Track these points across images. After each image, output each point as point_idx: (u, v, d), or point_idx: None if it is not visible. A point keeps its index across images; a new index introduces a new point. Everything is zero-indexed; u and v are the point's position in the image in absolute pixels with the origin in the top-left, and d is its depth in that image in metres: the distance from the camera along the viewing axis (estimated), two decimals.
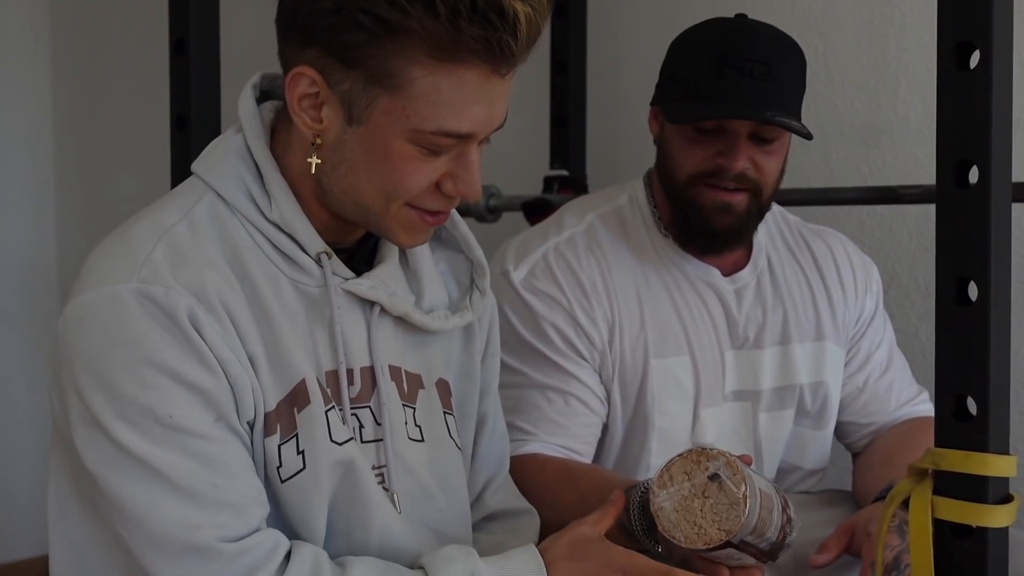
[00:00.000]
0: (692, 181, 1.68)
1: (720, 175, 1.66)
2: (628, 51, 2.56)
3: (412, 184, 1.19)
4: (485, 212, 2.51)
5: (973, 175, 1.26)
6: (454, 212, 1.36)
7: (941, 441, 1.28)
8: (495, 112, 1.18)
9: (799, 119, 1.67)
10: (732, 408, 1.75)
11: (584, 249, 1.72)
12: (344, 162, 1.20)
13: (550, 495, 1.56)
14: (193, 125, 1.84)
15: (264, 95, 1.32)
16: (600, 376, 1.70)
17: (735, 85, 1.61)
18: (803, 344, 1.79)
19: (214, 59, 1.86)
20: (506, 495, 1.47)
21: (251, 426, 1.20)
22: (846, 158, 2.32)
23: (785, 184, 1.96)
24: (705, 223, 1.68)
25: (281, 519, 1.22)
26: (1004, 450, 1.27)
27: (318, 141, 1.20)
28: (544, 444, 1.66)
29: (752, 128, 1.63)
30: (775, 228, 1.85)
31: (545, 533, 1.46)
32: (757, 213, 1.71)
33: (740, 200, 1.67)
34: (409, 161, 1.17)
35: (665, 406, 1.71)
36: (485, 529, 1.45)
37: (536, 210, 2.43)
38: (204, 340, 1.14)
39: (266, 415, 1.19)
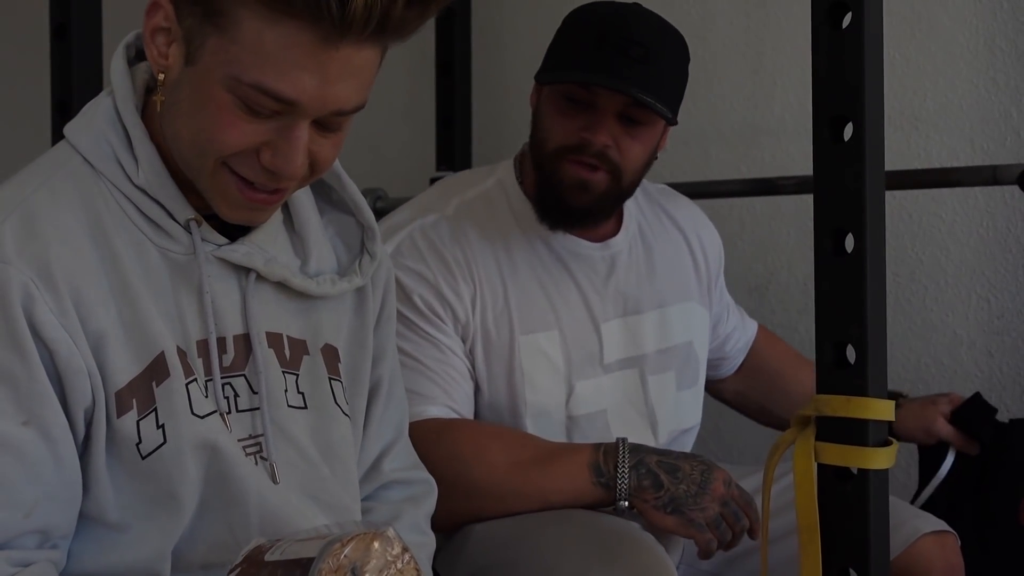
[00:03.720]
0: (557, 154, 1.69)
1: (582, 149, 1.65)
2: (512, 53, 2.60)
3: (224, 139, 1.13)
4: None
5: (848, 131, 1.31)
6: (343, 173, 1.36)
7: (823, 388, 1.32)
8: (330, 90, 1.10)
9: (672, 108, 1.68)
10: (620, 376, 1.78)
11: (448, 232, 1.73)
12: (175, 104, 1.16)
13: (477, 454, 1.62)
14: (75, 112, 1.81)
15: (140, 55, 1.27)
16: (465, 349, 1.72)
17: (609, 60, 1.63)
18: (675, 306, 1.85)
19: (96, 44, 1.84)
20: (404, 462, 1.44)
21: (90, 412, 1.15)
22: (726, 157, 2.37)
23: (665, 181, 2.01)
24: (561, 199, 1.69)
25: (145, 497, 1.18)
26: (882, 394, 1.31)
27: (161, 77, 1.17)
28: (440, 408, 1.66)
29: (621, 107, 1.65)
30: (640, 194, 1.87)
31: (472, 492, 1.58)
32: (615, 197, 1.72)
33: (599, 179, 1.67)
34: (224, 112, 1.12)
35: (535, 381, 1.72)
36: (382, 498, 1.42)
37: None
38: (34, 321, 1.11)
39: (117, 394, 1.15)
